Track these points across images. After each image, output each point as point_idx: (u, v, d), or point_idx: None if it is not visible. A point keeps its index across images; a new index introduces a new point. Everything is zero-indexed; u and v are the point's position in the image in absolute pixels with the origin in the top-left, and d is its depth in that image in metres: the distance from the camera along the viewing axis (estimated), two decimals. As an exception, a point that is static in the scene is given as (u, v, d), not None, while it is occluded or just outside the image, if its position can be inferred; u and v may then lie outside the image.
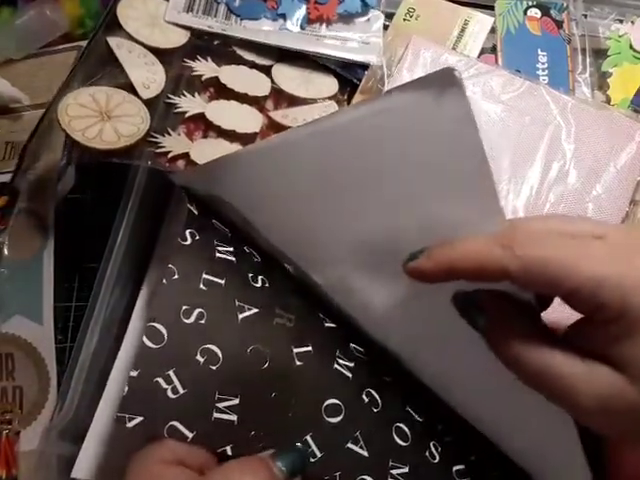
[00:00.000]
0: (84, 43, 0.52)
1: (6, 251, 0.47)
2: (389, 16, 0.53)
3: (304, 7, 0.50)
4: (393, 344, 0.40)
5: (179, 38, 0.48)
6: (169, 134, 0.44)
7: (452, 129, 0.30)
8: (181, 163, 0.43)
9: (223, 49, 0.49)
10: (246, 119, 0.46)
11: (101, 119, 0.42)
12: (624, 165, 0.47)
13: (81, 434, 0.37)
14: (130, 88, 0.45)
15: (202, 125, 0.45)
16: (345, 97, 0.51)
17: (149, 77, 0.45)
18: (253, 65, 0.49)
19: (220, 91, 0.47)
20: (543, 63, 0.52)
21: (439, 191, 0.32)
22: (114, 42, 0.47)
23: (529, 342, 0.28)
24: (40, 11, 0.52)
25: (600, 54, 0.53)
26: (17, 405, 0.43)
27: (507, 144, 0.47)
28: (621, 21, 0.54)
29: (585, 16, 0.53)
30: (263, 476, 0.31)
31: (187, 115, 0.45)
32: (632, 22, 0.54)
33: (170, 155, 0.43)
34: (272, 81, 0.49)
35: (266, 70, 0.49)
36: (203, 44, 0.49)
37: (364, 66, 0.50)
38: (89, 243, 0.47)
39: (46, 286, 0.47)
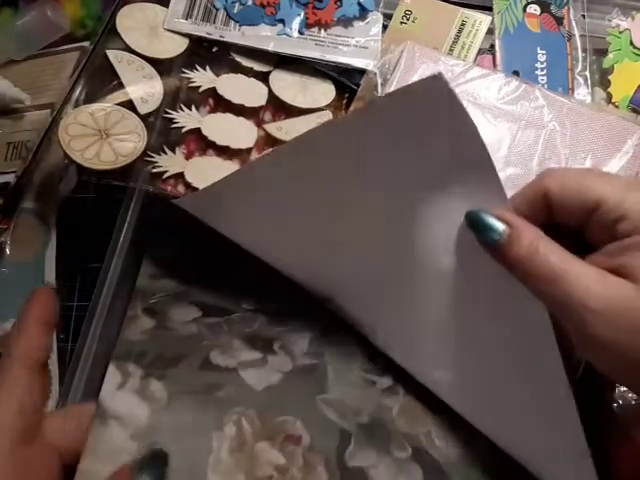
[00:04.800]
0: (85, 44, 0.53)
1: (8, 251, 0.47)
2: (388, 16, 0.52)
3: (302, 12, 0.50)
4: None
5: (178, 46, 0.48)
6: (165, 153, 0.44)
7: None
8: (175, 183, 0.44)
9: (222, 56, 0.49)
10: (241, 134, 0.46)
11: (100, 138, 0.43)
12: (619, 170, 0.46)
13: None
14: (128, 103, 0.45)
15: (199, 141, 0.45)
16: (343, 103, 0.50)
17: (147, 91, 0.46)
18: (251, 72, 0.49)
19: (217, 103, 0.47)
20: (542, 62, 0.51)
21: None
22: (113, 55, 0.47)
23: (550, 247, 0.30)
24: (41, 12, 0.52)
25: (601, 53, 0.52)
26: (19, 405, 0.44)
27: (501, 150, 0.46)
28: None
29: (584, 16, 0.53)
30: None
31: (184, 130, 0.45)
32: (632, 18, 0.53)
33: (166, 175, 0.43)
34: (269, 89, 0.48)
35: (264, 77, 0.49)
36: (202, 52, 0.49)
37: (362, 71, 0.49)
38: (91, 243, 0.47)
39: (48, 286, 0.47)
